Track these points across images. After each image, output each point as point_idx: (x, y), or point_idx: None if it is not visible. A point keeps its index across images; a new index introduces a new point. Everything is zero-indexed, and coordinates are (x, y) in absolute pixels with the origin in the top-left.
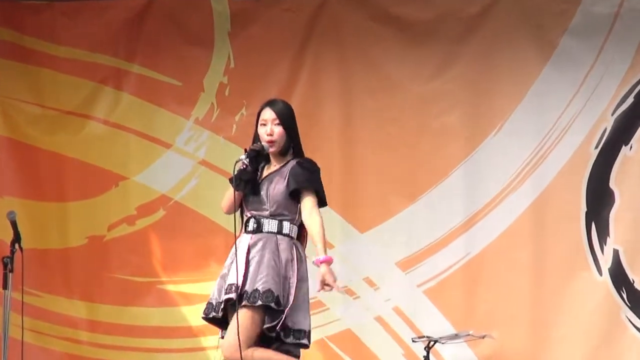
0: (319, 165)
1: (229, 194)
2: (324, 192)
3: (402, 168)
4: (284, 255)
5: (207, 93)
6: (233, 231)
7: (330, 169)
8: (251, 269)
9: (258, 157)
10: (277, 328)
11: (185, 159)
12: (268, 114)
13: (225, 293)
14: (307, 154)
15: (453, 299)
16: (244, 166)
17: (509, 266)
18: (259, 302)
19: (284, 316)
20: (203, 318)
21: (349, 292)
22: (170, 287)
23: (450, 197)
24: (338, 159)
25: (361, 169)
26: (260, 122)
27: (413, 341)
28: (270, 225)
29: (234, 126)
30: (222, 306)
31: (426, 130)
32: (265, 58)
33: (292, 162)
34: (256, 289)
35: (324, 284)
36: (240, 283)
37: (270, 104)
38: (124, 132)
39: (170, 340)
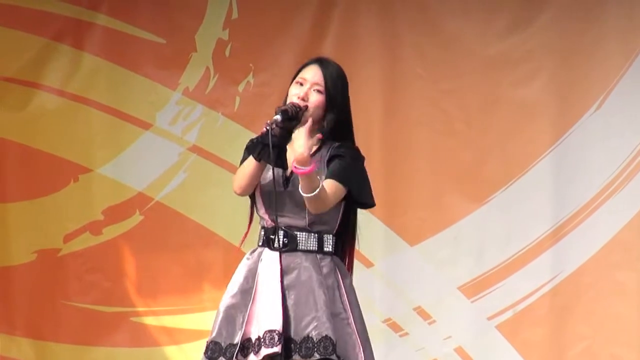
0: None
1: (246, 168)
2: (370, 189)
3: (465, 158)
4: (330, 283)
5: (200, 53)
6: (237, 240)
7: (369, 158)
8: (293, 305)
9: (292, 120)
10: None
11: (170, 143)
12: (311, 73)
13: (265, 344)
14: None
15: (537, 336)
16: (269, 127)
17: (614, 291)
18: (316, 356)
19: None
20: None
21: (393, 326)
22: (149, 320)
23: (532, 197)
24: (378, 145)
25: (409, 160)
26: (296, 80)
27: None
28: (309, 241)
29: (237, 99)
30: (235, 352)
31: (498, 106)
32: (280, 6)
33: (331, 146)
34: (308, 336)
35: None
36: (280, 328)
37: (320, 61)
38: (86, 106)
39: None
